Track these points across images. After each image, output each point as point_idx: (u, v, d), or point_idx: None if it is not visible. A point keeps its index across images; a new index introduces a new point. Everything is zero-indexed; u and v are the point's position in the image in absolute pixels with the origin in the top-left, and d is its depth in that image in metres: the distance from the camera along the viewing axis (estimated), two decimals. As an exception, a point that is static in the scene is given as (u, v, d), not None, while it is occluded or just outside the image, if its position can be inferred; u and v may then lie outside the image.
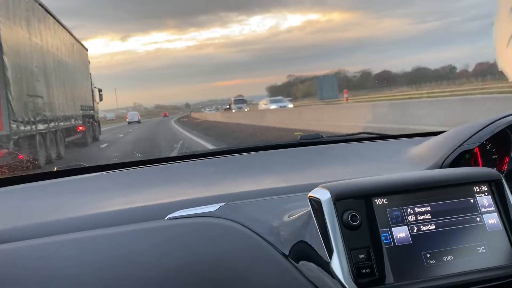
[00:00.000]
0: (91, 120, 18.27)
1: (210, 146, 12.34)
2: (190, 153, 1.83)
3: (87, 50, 19.22)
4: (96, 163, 1.69)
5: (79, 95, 16.73)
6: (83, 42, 19.44)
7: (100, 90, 21.68)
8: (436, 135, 1.60)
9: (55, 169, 1.61)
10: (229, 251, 1.04)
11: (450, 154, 1.32)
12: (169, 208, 1.16)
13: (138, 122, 47.27)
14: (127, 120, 48.91)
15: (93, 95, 19.89)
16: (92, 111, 19.25)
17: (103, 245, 1.06)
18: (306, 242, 0.95)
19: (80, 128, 16.64)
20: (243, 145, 1.90)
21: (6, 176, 1.57)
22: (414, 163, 1.41)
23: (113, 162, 1.66)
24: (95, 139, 19.61)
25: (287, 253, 1.00)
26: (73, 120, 15.07)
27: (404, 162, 1.47)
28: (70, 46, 15.77)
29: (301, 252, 0.97)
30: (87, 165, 1.64)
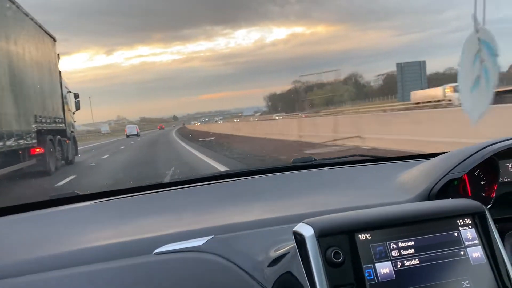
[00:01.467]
0: (58, 137, 12.72)
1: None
2: (183, 179, 1.82)
3: (54, 39, 13.73)
4: (88, 191, 1.68)
5: (34, 102, 11.27)
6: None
7: (76, 96, 16.12)
8: (428, 157, 1.66)
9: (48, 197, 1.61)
10: (214, 287, 1.05)
11: (438, 181, 1.32)
12: (157, 241, 1.16)
13: (137, 135, 43.92)
14: (126, 133, 45.14)
15: (64, 103, 14.36)
16: (62, 124, 13.76)
17: (90, 283, 1.05)
18: (290, 278, 0.95)
19: (37, 150, 11.16)
20: (236, 169, 1.94)
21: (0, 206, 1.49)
22: (403, 189, 1.42)
23: (106, 190, 1.66)
24: (68, 162, 14.16)
25: None
26: (15, 139, 9.67)
27: (393, 189, 1.47)
28: (15, 24, 10.38)
29: (285, 287, 0.97)
30: (80, 193, 1.64)
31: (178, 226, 1.27)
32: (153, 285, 1.05)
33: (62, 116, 13.75)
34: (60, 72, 14.09)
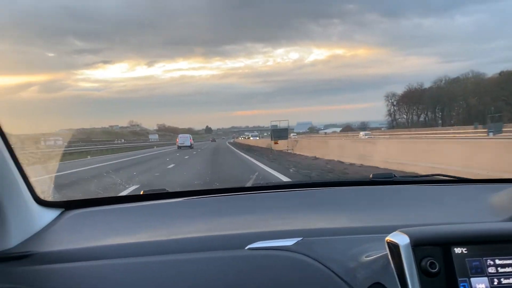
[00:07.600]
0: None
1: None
2: (265, 185, 1.87)
3: None
4: (178, 189, 1.78)
5: None
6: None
7: None
8: None
9: (141, 192, 1.71)
10: (305, 286, 1.07)
11: None
12: (248, 238, 1.20)
13: (190, 147, 39.21)
14: (177, 144, 41.50)
15: None
16: None
17: (184, 270, 1.11)
18: (382, 285, 0.95)
19: None
20: (316, 180, 2.02)
21: (96, 197, 1.66)
22: (493, 211, 1.38)
23: (194, 189, 1.73)
24: None
25: None
26: None
27: (482, 210, 1.43)
28: None
29: None
30: (170, 191, 1.75)
31: (266, 226, 1.31)
32: (244, 278, 1.08)
33: None
34: None
